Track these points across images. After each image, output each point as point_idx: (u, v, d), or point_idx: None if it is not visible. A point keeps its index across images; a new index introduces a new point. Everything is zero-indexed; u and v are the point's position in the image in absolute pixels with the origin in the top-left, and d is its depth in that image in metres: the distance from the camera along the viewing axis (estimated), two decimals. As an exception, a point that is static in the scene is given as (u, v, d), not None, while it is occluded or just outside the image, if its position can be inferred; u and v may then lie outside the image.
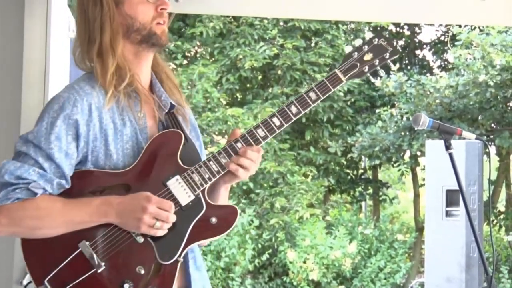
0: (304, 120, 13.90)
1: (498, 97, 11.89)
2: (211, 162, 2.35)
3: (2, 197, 2.21)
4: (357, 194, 15.82)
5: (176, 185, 2.31)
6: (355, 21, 14.19)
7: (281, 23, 14.18)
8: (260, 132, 2.38)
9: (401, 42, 17.55)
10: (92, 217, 2.24)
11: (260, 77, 14.61)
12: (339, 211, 15.39)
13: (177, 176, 2.32)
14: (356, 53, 2.48)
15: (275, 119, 2.38)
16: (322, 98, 2.41)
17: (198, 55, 14.67)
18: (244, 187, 12.59)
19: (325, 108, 13.80)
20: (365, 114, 14.49)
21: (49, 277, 2.24)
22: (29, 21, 3.28)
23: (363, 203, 17.23)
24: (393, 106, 13.62)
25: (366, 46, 2.49)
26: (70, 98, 2.28)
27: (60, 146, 2.25)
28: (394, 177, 19.47)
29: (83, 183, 2.30)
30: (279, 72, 13.96)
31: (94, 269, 2.24)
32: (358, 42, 2.50)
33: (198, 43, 14.39)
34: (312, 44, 14.45)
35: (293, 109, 2.39)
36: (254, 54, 13.46)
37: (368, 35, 2.50)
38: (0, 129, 3.17)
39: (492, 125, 12.79)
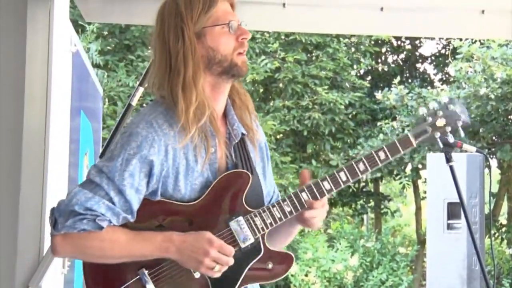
0: (305, 133, 13.92)
1: (499, 110, 11.92)
2: (274, 209, 2.38)
3: (69, 225, 2.26)
4: (358, 207, 15.81)
5: (238, 226, 2.35)
6: (356, 35, 14.22)
7: (282, 37, 14.22)
8: (326, 185, 2.43)
9: (402, 56, 17.60)
10: (153, 253, 2.30)
11: (261, 90, 14.64)
12: (340, 224, 15.38)
13: (240, 217, 2.36)
14: (430, 117, 2.49)
15: (342, 174, 2.42)
16: (391, 159, 2.46)
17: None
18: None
19: (327, 121, 13.82)
20: (367, 127, 14.51)
21: None
22: (31, 36, 3.29)
23: (364, 216, 17.22)
24: (394, 119, 13.63)
25: (440, 112, 2.49)
26: (148, 137, 2.31)
27: (132, 183, 2.29)
28: (396, 190, 19.47)
29: (148, 211, 2.35)
30: (281, 85, 13.99)
31: None
32: (432, 105, 2.51)
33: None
34: (313, 58, 14.48)
35: (361, 166, 2.43)
36: (256, 68, 13.50)
37: (444, 99, 2.51)
38: (2, 145, 3.18)
39: (494, 138, 12.81)
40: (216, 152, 2.39)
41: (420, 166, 12.95)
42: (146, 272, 2.32)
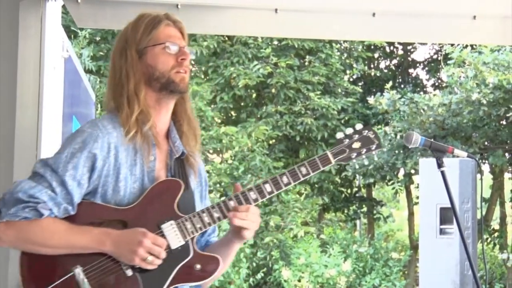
0: (298, 138, 13.92)
1: (491, 115, 11.94)
2: (204, 214, 2.53)
3: (12, 214, 2.39)
4: (351, 212, 15.83)
5: (169, 229, 2.49)
6: (348, 40, 14.25)
7: (275, 42, 14.24)
8: (252, 195, 2.58)
9: (395, 61, 17.65)
10: (90, 244, 2.42)
11: (254, 95, 14.65)
12: (333, 229, 15.38)
13: (172, 221, 2.50)
14: (347, 140, 2.70)
15: (267, 185, 2.59)
16: (312, 174, 2.64)
17: (192, 74, 14.71)
18: (239, 206, 12.59)
19: (319, 127, 13.83)
20: (359, 133, 14.50)
21: None
22: (23, 42, 3.29)
23: (357, 221, 17.24)
24: (386, 124, 13.65)
25: (356, 136, 2.71)
26: (93, 134, 2.49)
27: (74, 175, 2.45)
28: (389, 195, 19.50)
29: (86, 213, 2.48)
30: (273, 90, 14.01)
31: None
32: (349, 131, 2.71)
33: (192, 62, 14.43)
34: (306, 63, 14.50)
35: (284, 179, 2.61)
36: (248, 73, 13.51)
37: (358, 126, 2.73)
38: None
39: (486, 143, 12.83)
40: (156, 161, 2.56)
41: (412, 171, 12.96)
42: (81, 268, 2.42)
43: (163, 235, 2.46)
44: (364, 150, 2.71)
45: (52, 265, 2.44)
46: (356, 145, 2.70)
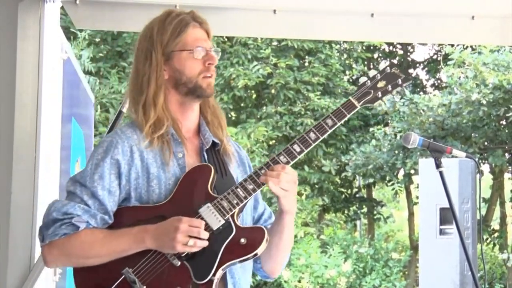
0: (298, 139, 13.91)
1: (491, 115, 11.95)
2: (238, 189, 2.51)
3: (51, 234, 2.45)
4: (351, 213, 15.82)
5: (207, 211, 2.48)
6: (348, 41, 14.26)
7: (274, 43, 14.24)
8: (282, 159, 2.54)
9: (394, 61, 17.65)
10: (131, 245, 2.45)
11: (254, 96, 14.66)
12: (333, 230, 15.39)
13: (208, 204, 2.48)
14: (369, 81, 2.63)
15: (295, 146, 2.55)
16: (338, 124, 2.57)
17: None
18: (239, 207, 12.60)
19: (319, 127, 13.81)
20: (359, 133, 14.53)
21: None
22: (21, 43, 3.29)
23: (357, 222, 17.25)
24: (386, 124, 13.66)
25: (379, 75, 2.64)
26: (112, 141, 2.52)
27: (103, 185, 2.48)
28: (389, 196, 19.50)
29: (124, 218, 2.52)
30: (273, 91, 14.01)
31: None
32: (372, 73, 2.65)
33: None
34: (306, 63, 14.50)
35: (312, 136, 2.55)
36: (248, 74, 13.51)
37: (382, 65, 2.60)
38: (-8, 150, 3.18)
39: (485, 143, 12.83)
40: (185, 157, 2.56)
41: (412, 171, 12.97)
42: (130, 270, 2.44)
43: (202, 219, 2.45)
44: (390, 86, 2.63)
45: (103, 273, 2.47)
46: (381, 84, 2.62)
